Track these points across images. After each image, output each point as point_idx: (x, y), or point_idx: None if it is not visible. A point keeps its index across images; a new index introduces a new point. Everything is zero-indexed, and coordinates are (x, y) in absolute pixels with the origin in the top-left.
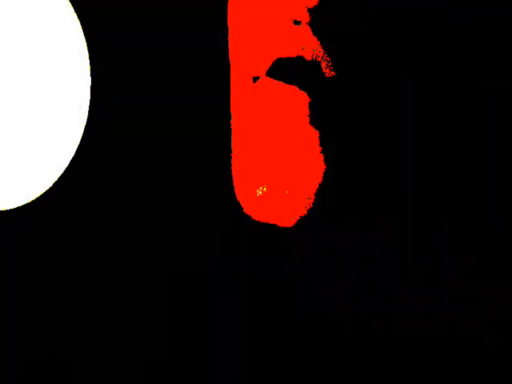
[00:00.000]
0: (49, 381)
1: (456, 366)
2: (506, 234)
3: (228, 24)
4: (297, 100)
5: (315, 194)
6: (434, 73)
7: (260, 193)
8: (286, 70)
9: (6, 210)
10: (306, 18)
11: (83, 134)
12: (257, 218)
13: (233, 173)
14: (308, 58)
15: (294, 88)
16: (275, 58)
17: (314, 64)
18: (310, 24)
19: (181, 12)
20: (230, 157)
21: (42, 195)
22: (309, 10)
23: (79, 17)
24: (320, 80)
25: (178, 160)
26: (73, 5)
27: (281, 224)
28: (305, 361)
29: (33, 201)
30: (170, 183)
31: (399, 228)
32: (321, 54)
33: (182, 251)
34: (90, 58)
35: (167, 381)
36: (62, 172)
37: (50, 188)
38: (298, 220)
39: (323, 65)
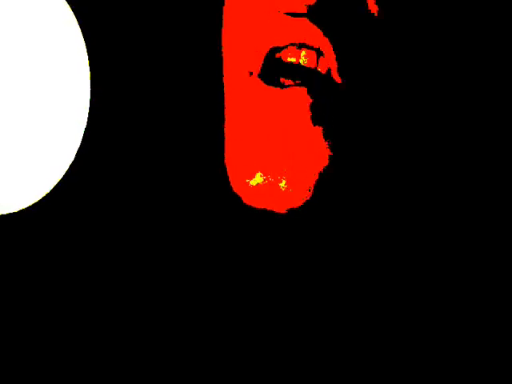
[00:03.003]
0: (49, 381)
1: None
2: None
3: (224, 18)
4: (297, 93)
5: (314, 185)
6: (437, 62)
7: (255, 183)
8: (283, 63)
9: (7, 214)
10: (303, 10)
11: (83, 135)
12: (253, 205)
13: (227, 163)
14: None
15: (294, 87)
16: (270, 48)
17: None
18: (309, 17)
19: (178, 8)
20: (224, 149)
21: (42, 199)
22: (308, 5)
23: (77, 17)
24: (319, 73)
25: (173, 151)
26: (70, 5)
27: (276, 211)
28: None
29: (33, 204)
30: (166, 177)
31: (397, 224)
32: (323, 46)
33: (179, 242)
34: (89, 57)
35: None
36: (62, 175)
37: (50, 191)
38: (294, 209)
39: (324, 60)
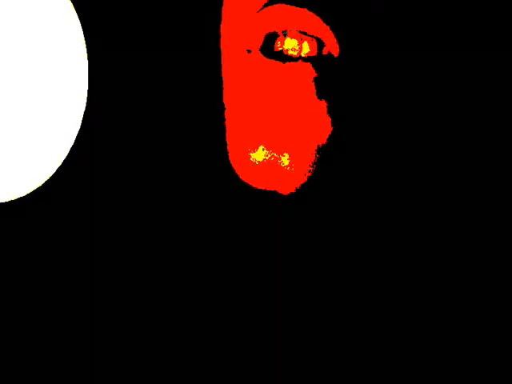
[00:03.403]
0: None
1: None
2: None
3: (223, 4)
4: (300, 67)
5: (317, 161)
6: (439, 50)
7: (258, 158)
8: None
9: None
10: None
11: (79, 130)
12: (253, 185)
13: (228, 138)
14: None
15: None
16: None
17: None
18: (308, 5)
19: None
20: (223, 128)
21: (35, 190)
22: None
23: (79, 15)
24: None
25: (171, 131)
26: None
27: (279, 190)
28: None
29: (27, 195)
30: (164, 157)
31: (400, 206)
32: (325, 31)
33: (178, 225)
34: (89, 55)
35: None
36: (57, 166)
37: (45, 183)
38: (297, 188)
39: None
